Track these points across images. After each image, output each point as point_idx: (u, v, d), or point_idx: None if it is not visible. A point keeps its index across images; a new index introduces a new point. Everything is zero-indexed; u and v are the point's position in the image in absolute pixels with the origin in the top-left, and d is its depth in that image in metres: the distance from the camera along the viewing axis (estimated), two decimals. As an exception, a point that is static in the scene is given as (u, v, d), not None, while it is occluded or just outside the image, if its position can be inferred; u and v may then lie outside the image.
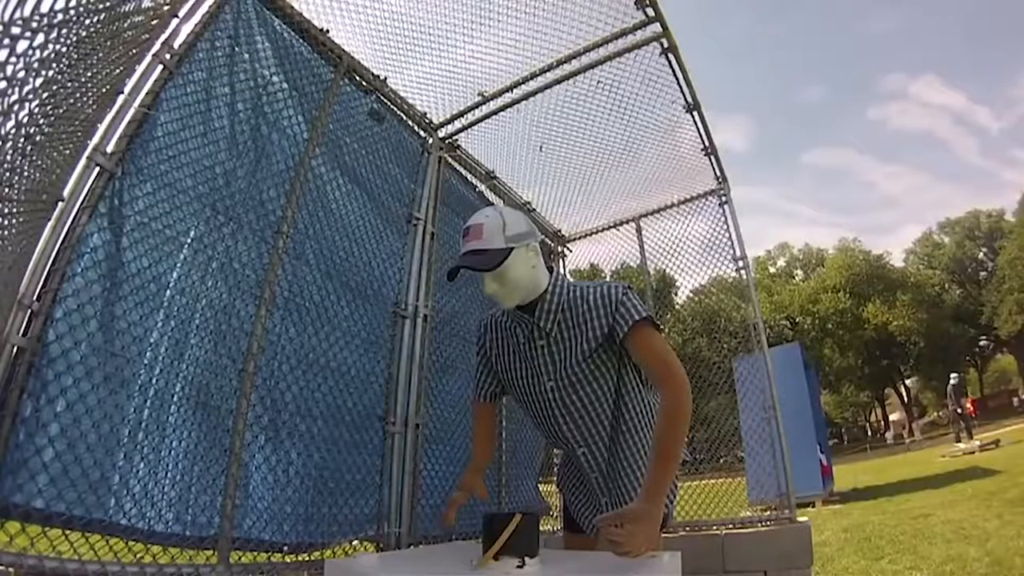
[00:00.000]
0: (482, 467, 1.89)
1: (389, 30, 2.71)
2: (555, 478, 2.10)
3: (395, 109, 3.02)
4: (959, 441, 14.01)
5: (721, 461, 3.62)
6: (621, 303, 1.58)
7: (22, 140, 1.37)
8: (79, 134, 1.66)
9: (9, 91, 1.24)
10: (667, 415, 1.45)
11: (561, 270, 4.26)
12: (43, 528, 1.39)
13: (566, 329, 1.65)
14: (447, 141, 3.32)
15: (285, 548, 1.97)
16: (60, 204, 1.58)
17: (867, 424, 41.05)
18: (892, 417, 39.29)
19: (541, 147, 3.52)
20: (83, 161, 1.65)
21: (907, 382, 38.17)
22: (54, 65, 1.40)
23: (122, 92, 1.78)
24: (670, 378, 1.49)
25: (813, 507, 7.91)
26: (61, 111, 1.54)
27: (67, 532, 1.44)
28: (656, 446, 1.45)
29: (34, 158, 1.48)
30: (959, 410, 14.67)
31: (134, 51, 1.83)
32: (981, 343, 36.17)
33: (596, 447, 1.71)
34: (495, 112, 3.21)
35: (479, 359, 1.91)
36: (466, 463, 2.47)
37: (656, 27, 2.77)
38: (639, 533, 1.25)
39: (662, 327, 1.67)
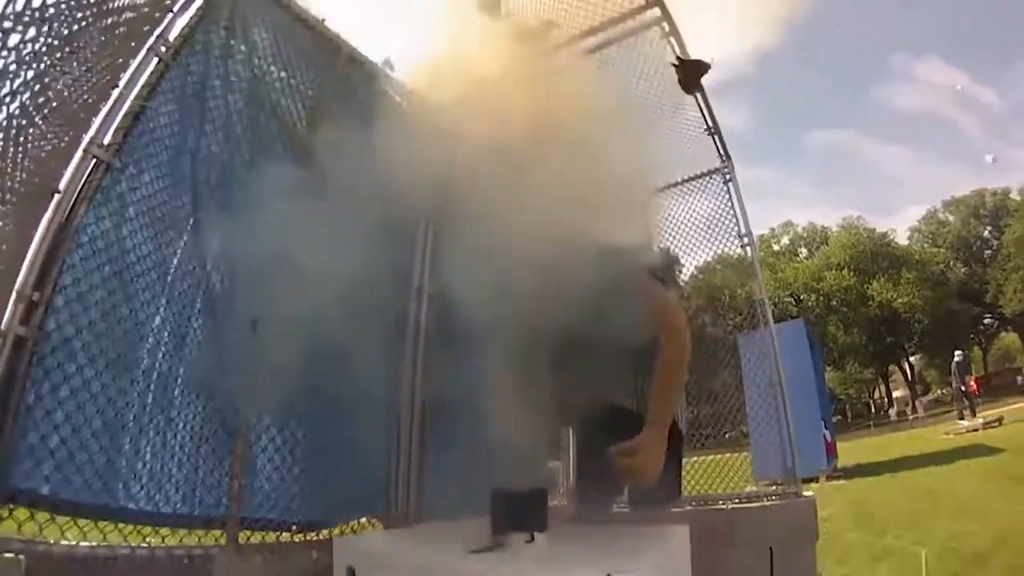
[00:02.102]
0: None
1: (387, 18, 2.67)
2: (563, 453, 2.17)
3: (394, 95, 2.98)
4: (963, 419, 13.99)
5: (726, 437, 3.62)
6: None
7: (15, 131, 1.37)
8: (75, 126, 1.66)
9: (1, 84, 1.24)
10: (665, 354, 1.58)
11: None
12: (52, 515, 1.40)
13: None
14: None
15: (293, 527, 1.99)
16: (57, 195, 1.58)
17: (871, 401, 41.08)
18: (896, 394, 39.24)
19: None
20: (79, 152, 1.65)
21: (911, 359, 38.11)
22: (46, 58, 1.39)
23: (118, 85, 1.77)
24: (668, 324, 1.62)
25: (817, 483, 7.94)
26: (55, 104, 1.54)
27: (76, 518, 1.45)
28: (655, 383, 1.57)
29: (29, 150, 1.48)
30: (963, 388, 14.64)
31: (130, 44, 1.82)
32: (985, 321, 36.06)
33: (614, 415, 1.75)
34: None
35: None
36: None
37: (656, 11, 2.75)
38: (642, 461, 1.40)
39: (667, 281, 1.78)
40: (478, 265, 1.73)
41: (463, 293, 1.74)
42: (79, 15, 1.45)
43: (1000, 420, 12.75)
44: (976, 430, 12.22)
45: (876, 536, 4.44)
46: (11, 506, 1.35)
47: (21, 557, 1.31)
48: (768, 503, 2.77)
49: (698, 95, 3.31)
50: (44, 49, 1.34)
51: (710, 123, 3.55)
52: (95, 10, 1.52)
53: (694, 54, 3.02)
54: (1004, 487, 5.55)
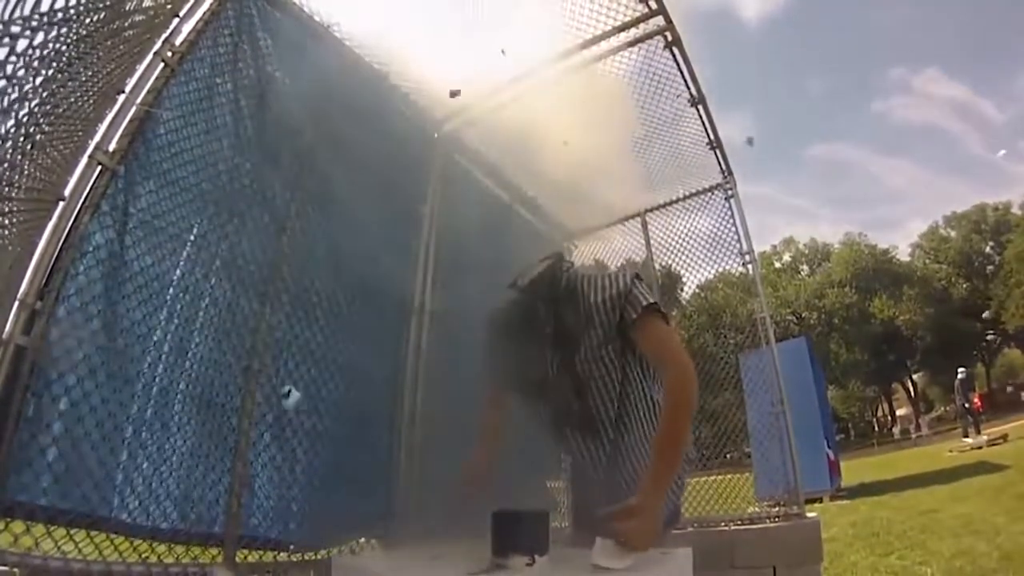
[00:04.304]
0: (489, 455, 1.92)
1: (392, 24, 2.69)
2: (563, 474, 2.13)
3: (399, 103, 2.99)
4: (967, 436, 13.88)
5: (728, 457, 3.60)
6: (630, 291, 1.59)
7: (22, 138, 1.37)
8: (80, 132, 1.66)
9: (9, 90, 1.23)
10: (669, 407, 1.47)
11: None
12: (47, 528, 1.39)
13: (575, 322, 1.65)
14: (452, 135, 3.29)
15: (291, 547, 1.97)
16: (61, 203, 1.57)
17: (874, 419, 40.85)
18: (899, 412, 39.10)
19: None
20: (84, 159, 1.64)
21: (914, 377, 37.96)
22: (54, 64, 1.39)
23: (123, 91, 1.77)
24: (673, 369, 1.49)
25: (820, 502, 7.87)
26: (61, 109, 1.53)
27: (72, 532, 1.43)
28: (657, 438, 1.46)
29: (35, 156, 1.47)
30: (966, 405, 14.55)
31: (136, 49, 1.82)
32: (988, 337, 35.90)
33: (600, 440, 1.71)
34: (498, 107, 3.18)
35: (491, 350, 1.92)
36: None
37: (660, 20, 2.74)
38: (638, 528, 1.27)
39: (669, 317, 1.70)
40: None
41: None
42: (87, 20, 1.45)
43: (1005, 437, 12.68)
44: (980, 447, 12.15)
45: (881, 556, 4.40)
46: (8, 519, 1.34)
47: (16, 570, 1.29)
48: (771, 524, 2.75)
49: (700, 108, 3.31)
50: (52, 54, 1.34)
51: (712, 137, 3.55)
52: (104, 14, 1.52)
53: (696, 62, 3.02)
54: (1009, 505, 5.50)
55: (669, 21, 2.73)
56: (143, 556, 1.56)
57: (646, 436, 1.67)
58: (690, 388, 1.46)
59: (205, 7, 2.05)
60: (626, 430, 1.67)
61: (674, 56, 2.93)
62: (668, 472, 1.41)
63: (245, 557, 1.80)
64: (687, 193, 3.95)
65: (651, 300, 1.57)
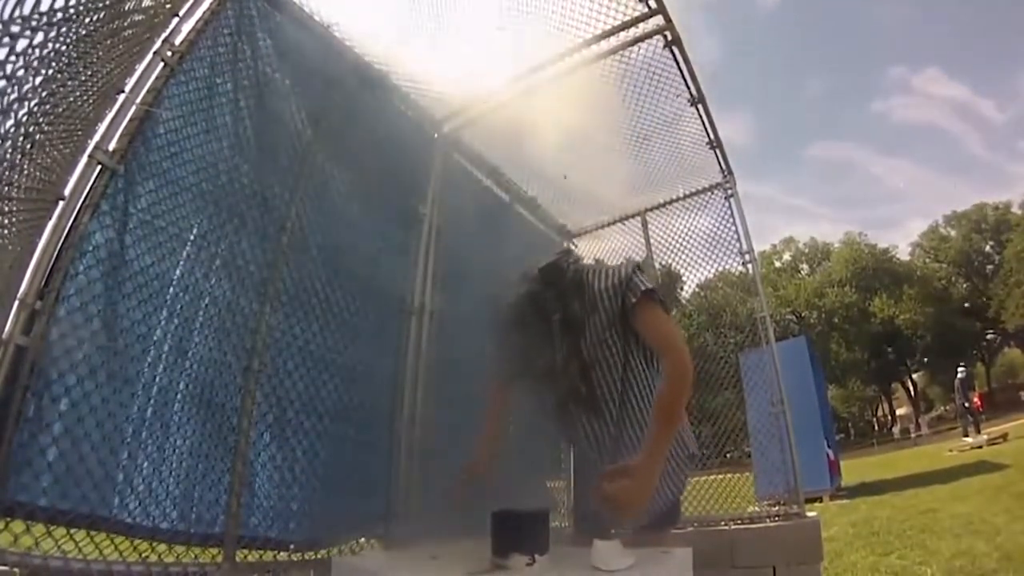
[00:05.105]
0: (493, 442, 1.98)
1: (392, 25, 2.69)
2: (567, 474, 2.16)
3: (399, 104, 2.99)
4: (967, 435, 13.87)
5: (728, 457, 3.60)
6: (630, 278, 1.66)
7: (22, 138, 1.36)
8: (80, 132, 1.66)
9: (9, 90, 1.23)
10: (666, 379, 1.55)
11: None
12: (48, 528, 1.39)
13: (580, 309, 1.70)
14: (451, 136, 3.29)
15: (291, 546, 1.97)
16: (61, 203, 1.57)
17: (874, 419, 40.87)
18: (899, 412, 39.14)
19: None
20: (84, 159, 1.64)
21: (914, 376, 38.00)
22: (54, 64, 1.39)
23: (123, 90, 1.77)
24: (669, 347, 1.59)
25: (820, 502, 7.88)
26: (61, 109, 1.53)
27: (72, 532, 1.44)
28: (656, 408, 1.54)
29: (34, 156, 1.47)
30: (966, 404, 14.54)
31: (136, 49, 1.82)
32: (988, 337, 35.93)
33: (604, 420, 1.73)
34: (497, 107, 3.18)
35: (499, 342, 1.96)
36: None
37: (659, 19, 2.74)
38: (631, 487, 1.32)
39: (668, 305, 1.76)
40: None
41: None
42: (87, 19, 1.45)
43: (1005, 436, 12.69)
44: (980, 447, 12.15)
45: (881, 556, 4.40)
46: (8, 519, 1.34)
47: (16, 570, 1.29)
48: (771, 524, 2.75)
49: (700, 107, 3.30)
50: (52, 54, 1.34)
51: (712, 136, 3.55)
52: (103, 14, 1.52)
53: (696, 61, 3.01)
54: (1010, 504, 5.50)
55: (668, 20, 2.73)
56: (143, 556, 1.56)
57: (648, 421, 1.70)
58: (685, 366, 1.54)
59: (205, 7, 2.05)
60: (628, 413, 1.72)
61: (674, 55, 2.92)
62: (664, 440, 1.48)
63: (245, 557, 1.80)
64: (687, 192, 3.95)
65: (649, 287, 1.65)
